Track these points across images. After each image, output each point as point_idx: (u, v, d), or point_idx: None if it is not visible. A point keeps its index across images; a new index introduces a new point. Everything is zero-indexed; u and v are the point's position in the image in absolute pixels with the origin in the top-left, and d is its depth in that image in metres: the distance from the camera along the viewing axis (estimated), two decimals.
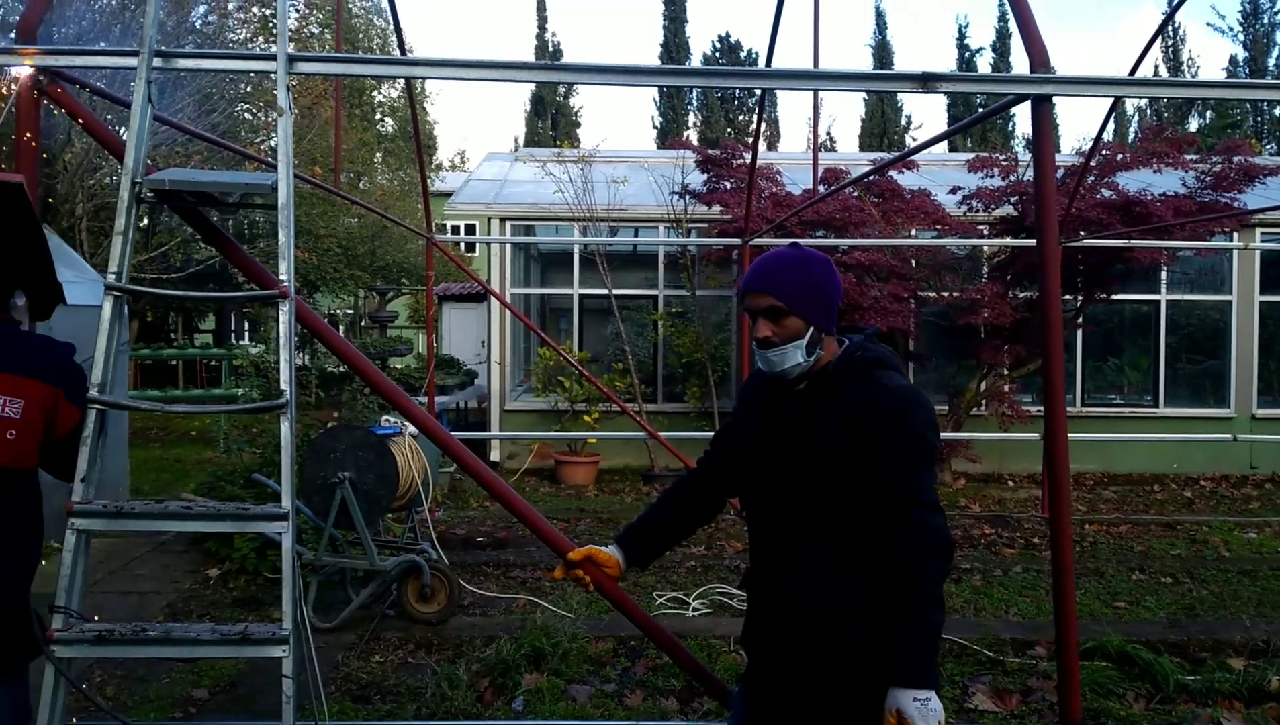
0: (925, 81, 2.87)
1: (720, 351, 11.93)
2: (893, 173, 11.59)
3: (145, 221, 15.81)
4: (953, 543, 2.18)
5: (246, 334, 25.01)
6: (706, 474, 2.60)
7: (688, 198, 11.34)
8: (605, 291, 11.78)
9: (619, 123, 63.20)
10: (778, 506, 2.28)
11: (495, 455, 12.16)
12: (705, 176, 11.20)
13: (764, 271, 2.28)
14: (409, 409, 3.06)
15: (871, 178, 11.83)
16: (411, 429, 6.01)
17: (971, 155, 11.37)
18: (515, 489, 9.72)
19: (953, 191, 10.82)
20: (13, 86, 2.73)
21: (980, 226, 11.52)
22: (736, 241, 9.28)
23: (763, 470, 2.31)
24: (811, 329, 2.24)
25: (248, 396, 11.70)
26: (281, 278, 2.48)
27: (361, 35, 27.41)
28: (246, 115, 15.76)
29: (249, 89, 15.33)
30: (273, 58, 2.66)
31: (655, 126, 35.76)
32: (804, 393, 2.27)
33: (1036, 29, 3.01)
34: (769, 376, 2.36)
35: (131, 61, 2.59)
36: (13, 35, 2.78)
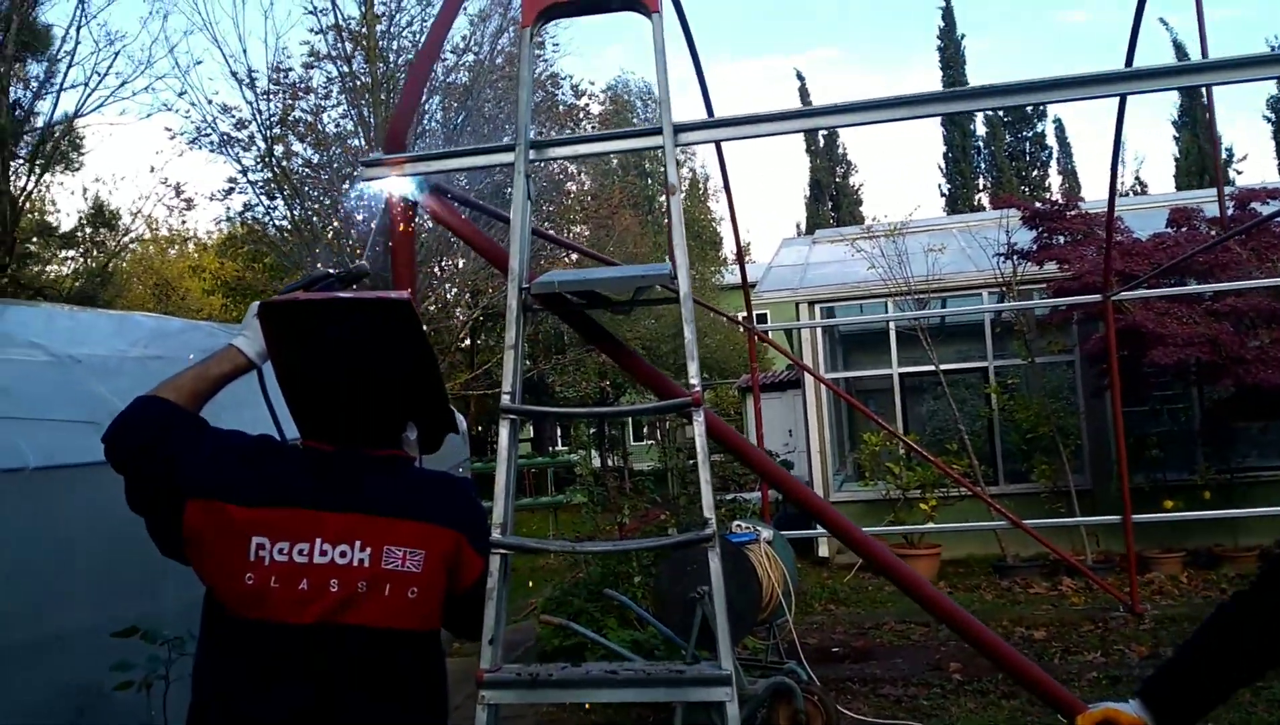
0: None
1: (1067, 423, 10.67)
2: (1254, 204, 10.13)
3: (466, 341, 16.80)
4: None
5: (559, 440, 25.91)
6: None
7: (1015, 258, 10.36)
8: (928, 368, 10.94)
9: (902, 196, 61.63)
10: None
11: (824, 551, 11.48)
12: (1034, 233, 10.21)
13: None
14: (846, 530, 2.54)
15: (1231, 213, 10.37)
16: (766, 534, 5.53)
17: None
18: (852, 588, 9.02)
19: None
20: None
21: None
22: (1095, 298, 8.23)
23: None
24: None
25: (584, 504, 11.69)
26: (691, 382, 2.06)
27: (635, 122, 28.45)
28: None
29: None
30: (656, 132, 2.32)
31: (943, 194, 34.37)
32: None
33: None
34: None
35: (507, 157, 2.34)
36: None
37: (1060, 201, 10.30)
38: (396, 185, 2.47)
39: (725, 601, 1.95)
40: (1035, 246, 10.16)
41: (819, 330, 11.76)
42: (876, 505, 11.08)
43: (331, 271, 2.15)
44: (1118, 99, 5.94)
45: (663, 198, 29.07)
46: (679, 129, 2.39)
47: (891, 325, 11.65)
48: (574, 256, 16.33)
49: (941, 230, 13.41)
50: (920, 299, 10.93)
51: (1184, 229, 10.29)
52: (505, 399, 2.13)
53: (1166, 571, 9.39)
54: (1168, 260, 9.13)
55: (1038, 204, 10.60)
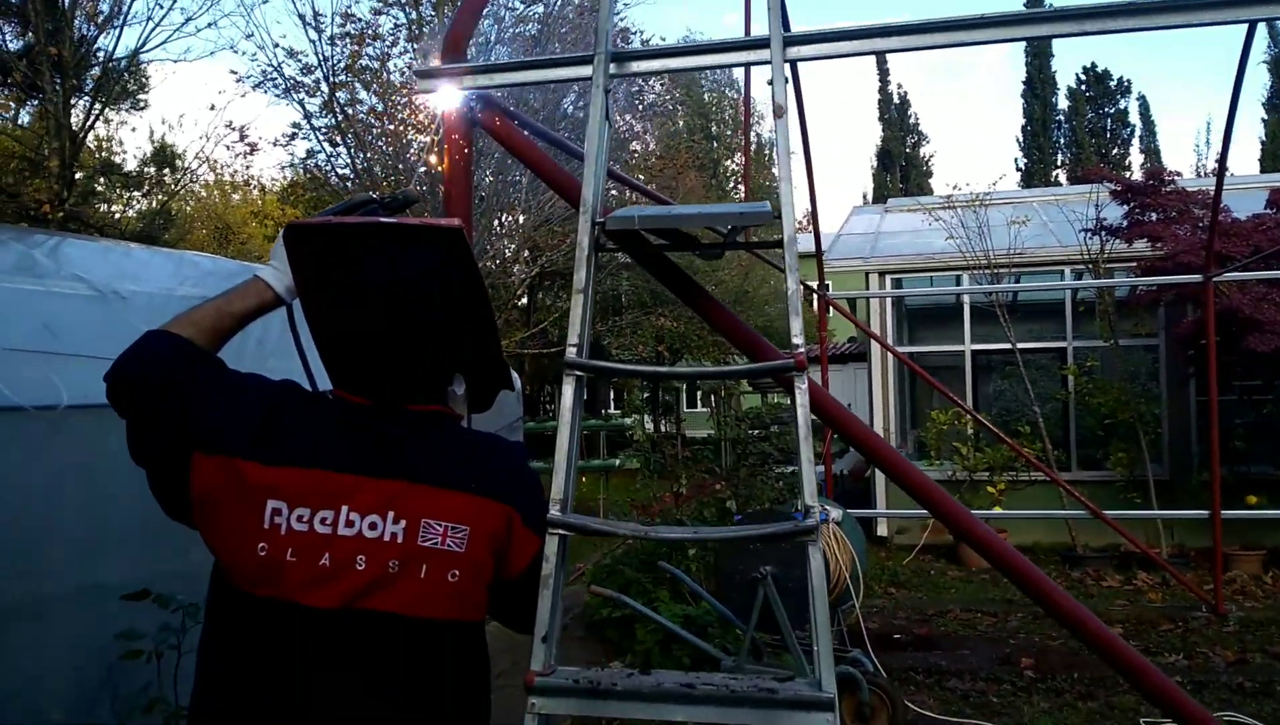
0: None
1: (1147, 410, 10.10)
2: None
3: (524, 299, 16.54)
4: None
5: (611, 404, 25.67)
6: None
7: (1103, 234, 9.78)
8: (1003, 346, 10.44)
9: (972, 169, 60.13)
10: None
11: (883, 531, 11.09)
12: (1124, 209, 9.61)
13: None
14: (954, 515, 2.20)
15: None
16: (835, 514, 5.19)
17: None
18: (913, 570, 8.63)
19: None
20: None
21: None
22: (1195, 278, 7.70)
23: None
24: None
25: (639, 469, 11.45)
26: (795, 342, 1.73)
27: (714, 110, 27.91)
28: None
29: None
30: (763, 45, 1.97)
31: (1019, 169, 33.35)
32: None
33: None
34: None
35: (584, 70, 2.00)
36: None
37: (1154, 176, 9.66)
38: (453, 98, 2.15)
39: (825, 604, 1.62)
40: (1126, 223, 9.57)
41: (888, 302, 11.29)
42: (941, 487, 10.63)
43: (374, 196, 1.84)
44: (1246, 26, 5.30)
45: (729, 162, 28.44)
46: (789, 41, 2.02)
47: (966, 299, 11.14)
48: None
49: (1022, 203, 12.81)
50: (998, 274, 10.41)
51: None
52: (570, 352, 1.80)
53: (1248, 570, 8.87)
54: (1268, 242, 8.55)
55: (1130, 179, 9.96)
